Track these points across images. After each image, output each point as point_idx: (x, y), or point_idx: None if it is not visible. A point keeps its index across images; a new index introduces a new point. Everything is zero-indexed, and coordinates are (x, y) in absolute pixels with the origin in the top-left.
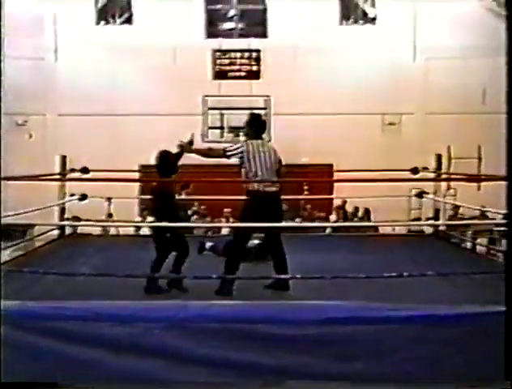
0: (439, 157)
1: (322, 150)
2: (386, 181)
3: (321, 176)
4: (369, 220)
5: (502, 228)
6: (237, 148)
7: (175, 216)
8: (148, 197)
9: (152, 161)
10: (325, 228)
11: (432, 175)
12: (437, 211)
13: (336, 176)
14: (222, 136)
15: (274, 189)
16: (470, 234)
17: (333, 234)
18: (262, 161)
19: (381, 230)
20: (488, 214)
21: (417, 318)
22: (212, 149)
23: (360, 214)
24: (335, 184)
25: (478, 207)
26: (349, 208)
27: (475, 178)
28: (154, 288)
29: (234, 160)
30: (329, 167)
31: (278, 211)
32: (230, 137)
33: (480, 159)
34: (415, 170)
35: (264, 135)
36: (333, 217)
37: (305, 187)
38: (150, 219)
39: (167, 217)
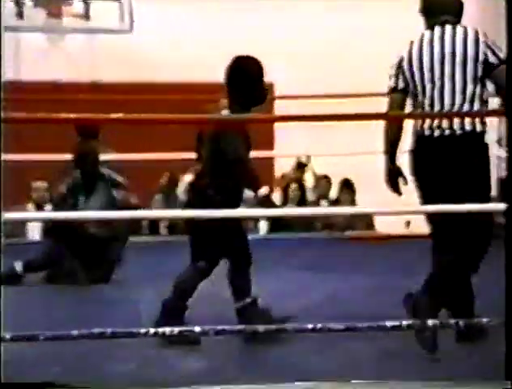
0: None
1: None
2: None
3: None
4: (352, 202)
5: None
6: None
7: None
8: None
9: None
10: (255, 221)
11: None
12: (504, 183)
13: (278, 110)
14: (20, 16)
15: (467, 127)
16: None
17: (273, 235)
18: (439, 71)
19: (380, 226)
20: None
21: None
22: None
23: (332, 192)
24: (276, 125)
25: None
26: (311, 180)
27: None
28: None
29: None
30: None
31: (475, 173)
32: (40, 21)
33: None
34: None
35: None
36: (273, 197)
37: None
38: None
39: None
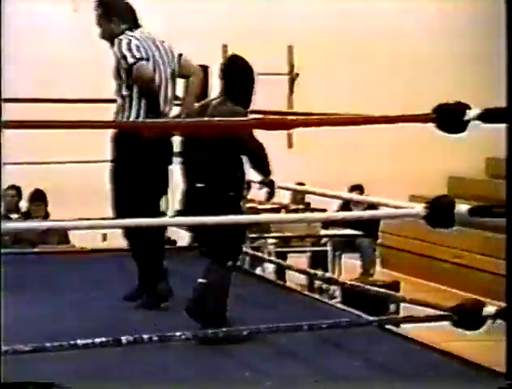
0: None
1: None
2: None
3: None
4: (45, 215)
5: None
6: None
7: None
8: None
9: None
10: None
11: None
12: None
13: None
14: None
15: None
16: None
17: None
18: (163, 75)
19: (75, 240)
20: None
21: None
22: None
23: (22, 204)
24: None
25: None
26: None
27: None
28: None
29: None
30: None
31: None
32: None
33: None
34: None
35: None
36: None
37: None
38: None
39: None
